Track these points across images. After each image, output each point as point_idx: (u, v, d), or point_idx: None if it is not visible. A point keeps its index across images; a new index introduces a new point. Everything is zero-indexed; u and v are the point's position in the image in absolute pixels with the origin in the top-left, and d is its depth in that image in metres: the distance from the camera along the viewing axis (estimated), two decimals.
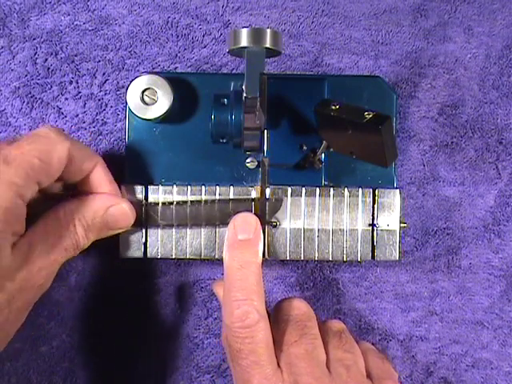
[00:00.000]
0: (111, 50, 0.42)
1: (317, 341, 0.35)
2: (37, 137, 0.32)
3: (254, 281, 0.34)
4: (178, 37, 0.42)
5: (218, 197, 0.38)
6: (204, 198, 0.38)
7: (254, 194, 0.38)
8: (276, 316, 0.36)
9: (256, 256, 0.35)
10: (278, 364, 0.34)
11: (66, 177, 0.33)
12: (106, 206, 0.35)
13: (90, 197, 0.35)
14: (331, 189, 0.39)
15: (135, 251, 0.38)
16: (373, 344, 0.42)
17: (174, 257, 0.38)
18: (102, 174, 0.35)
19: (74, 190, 0.35)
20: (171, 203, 0.38)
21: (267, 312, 0.34)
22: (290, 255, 0.38)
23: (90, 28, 0.42)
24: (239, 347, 0.33)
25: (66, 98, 0.42)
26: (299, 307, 0.36)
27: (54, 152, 0.31)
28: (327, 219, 0.39)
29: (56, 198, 0.35)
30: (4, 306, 0.29)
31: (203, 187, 0.38)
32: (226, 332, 0.34)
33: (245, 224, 0.36)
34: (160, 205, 0.38)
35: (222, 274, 0.35)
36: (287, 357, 0.34)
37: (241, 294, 0.34)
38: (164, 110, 0.37)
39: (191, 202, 0.38)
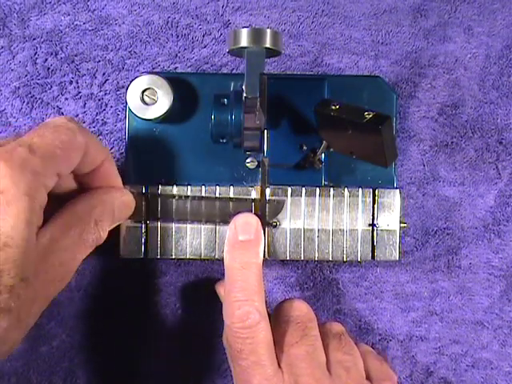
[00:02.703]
0: (111, 50, 0.42)
1: (317, 342, 0.35)
2: (58, 127, 0.31)
3: (254, 281, 0.34)
4: (177, 37, 0.42)
5: (218, 197, 0.38)
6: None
7: (254, 194, 0.38)
8: (277, 317, 0.36)
9: (257, 256, 0.35)
10: (279, 365, 0.34)
11: (78, 168, 0.33)
12: (119, 199, 0.35)
13: (104, 190, 0.34)
14: (331, 189, 0.39)
15: (135, 251, 0.38)
16: (373, 344, 0.42)
17: (173, 257, 0.38)
18: (111, 166, 0.35)
19: (82, 183, 0.35)
20: (173, 196, 0.38)
21: (267, 313, 0.35)
22: (290, 255, 0.38)
23: (89, 28, 0.42)
24: (240, 347, 0.33)
25: (66, 98, 0.42)
26: (300, 308, 0.36)
27: (75, 143, 0.31)
28: (327, 219, 0.39)
29: (65, 194, 0.34)
30: (29, 299, 0.28)
31: (203, 187, 0.38)
32: (226, 332, 0.34)
33: (246, 224, 0.36)
34: (160, 199, 0.38)
35: (222, 274, 0.35)
36: (288, 358, 0.34)
37: (242, 294, 0.34)
38: (164, 110, 0.37)
39: (192, 197, 0.38)
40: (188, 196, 0.38)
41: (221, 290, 0.39)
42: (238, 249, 0.35)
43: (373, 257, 0.39)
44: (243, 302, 0.33)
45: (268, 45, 0.34)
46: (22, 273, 0.27)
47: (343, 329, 0.38)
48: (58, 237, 0.30)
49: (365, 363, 0.37)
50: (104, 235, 0.33)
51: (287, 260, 0.42)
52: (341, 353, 0.36)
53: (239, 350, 0.33)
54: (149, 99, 0.37)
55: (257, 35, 0.33)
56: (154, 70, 0.42)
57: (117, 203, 0.34)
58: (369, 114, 0.34)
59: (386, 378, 0.37)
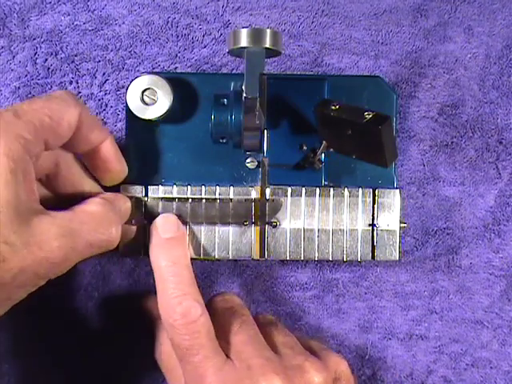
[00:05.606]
0: (111, 50, 0.42)
1: (256, 327, 0.35)
2: (51, 97, 0.31)
3: (188, 275, 0.34)
4: (177, 37, 0.42)
5: (218, 197, 0.38)
6: (204, 197, 0.38)
7: (254, 194, 0.38)
8: (212, 310, 0.36)
9: (184, 251, 0.35)
10: (227, 355, 0.34)
11: (73, 144, 0.33)
12: (124, 205, 0.35)
13: (112, 195, 0.35)
14: (331, 189, 0.39)
15: (135, 251, 0.38)
16: (372, 343, 0.42)
17: None
18: (112, 149, 0.35)
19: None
20: (173, 199, 0.38)
21: None
22: (290, 255, 0.39)
23: (90, 28, 0.42)
24: (188, 344, 0.33)
25: None
26: (232, 300, 0.37)
27: (66, 114, 0.31)
28: (327, 219, 0.39)
29: (69, 198, 0.34)
30: (16, 268, 0.28)
31: (203, 187, 0.38)
32: (170, 334, 0.34)
33: (167, 223, 0.36)
34: (161, 201, 0.38)
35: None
36: (234, 346, 0.34)
37: (178, 289, 0.33)
38: (164, 110, 0.37)
39: (192, 199, 0.38)
40: (187, 198, 0.38)
41: (149, 305, 0.39)
42: (165, 247, 0.35)
43: (373, 257, 0.39)
44: (181, 296, 0.33)
45: (268, 45, 0.33)
46: (5, 236, 0.27)
47: (275, 318, 0.39)
48: (63, 222, 0.30)
49: (303, 344, 0.37)
50: (116, 239, 0.33)
51: (287, 260, 0.42)
52: (281, 336, 0.36)
53: (188, 347, 0.33)
54: (149, 99, 0.37)
55: (257, 35, 0.33)
56: (154, 70, 0.42)
57: (122, 209, 0.35)
58: (369, 114, 0.34)
59: (327, 349, 0.37)
